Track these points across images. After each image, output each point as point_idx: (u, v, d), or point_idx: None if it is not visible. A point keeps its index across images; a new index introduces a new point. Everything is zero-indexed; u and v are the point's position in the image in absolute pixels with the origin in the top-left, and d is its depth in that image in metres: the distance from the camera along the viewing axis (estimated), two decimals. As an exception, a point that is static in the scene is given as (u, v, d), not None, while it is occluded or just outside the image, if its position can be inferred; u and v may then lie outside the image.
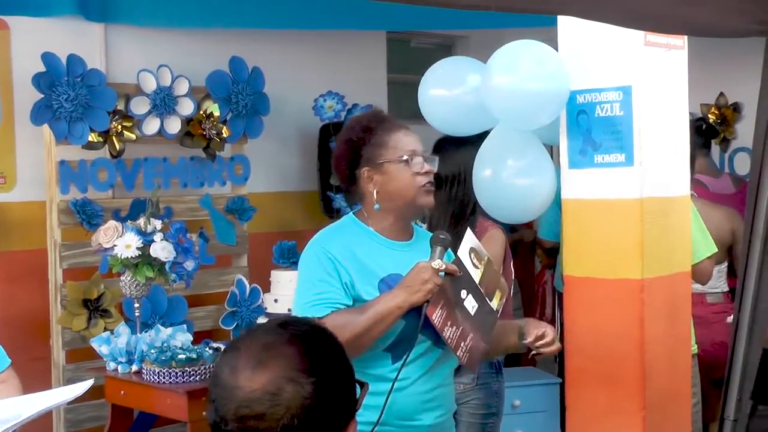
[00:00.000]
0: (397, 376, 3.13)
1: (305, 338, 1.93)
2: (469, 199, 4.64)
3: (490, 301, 3.37)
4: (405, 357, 3.17)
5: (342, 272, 3.29)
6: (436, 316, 3.18)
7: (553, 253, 6.40)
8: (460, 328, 3.24)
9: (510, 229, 7.57)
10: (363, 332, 3.15)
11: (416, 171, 3.37)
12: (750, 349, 2.99)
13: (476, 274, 3.32)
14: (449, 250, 3.36)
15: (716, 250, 4.92)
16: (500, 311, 3.43)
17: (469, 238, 3.38)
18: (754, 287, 2.97)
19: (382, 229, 3.43)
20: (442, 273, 3.20)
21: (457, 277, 3.25)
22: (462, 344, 3.24)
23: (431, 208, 4.80)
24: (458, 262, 3.28)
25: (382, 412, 3.02)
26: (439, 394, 3.38)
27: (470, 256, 3.33)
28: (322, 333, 1.99)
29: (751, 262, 2.97)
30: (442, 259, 3.22)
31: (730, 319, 4.98)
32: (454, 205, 4.68)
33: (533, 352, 3.46)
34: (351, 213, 3.54)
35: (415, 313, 3.19)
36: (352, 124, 3.53)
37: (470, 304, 3.29)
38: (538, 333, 3.41)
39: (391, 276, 3.31)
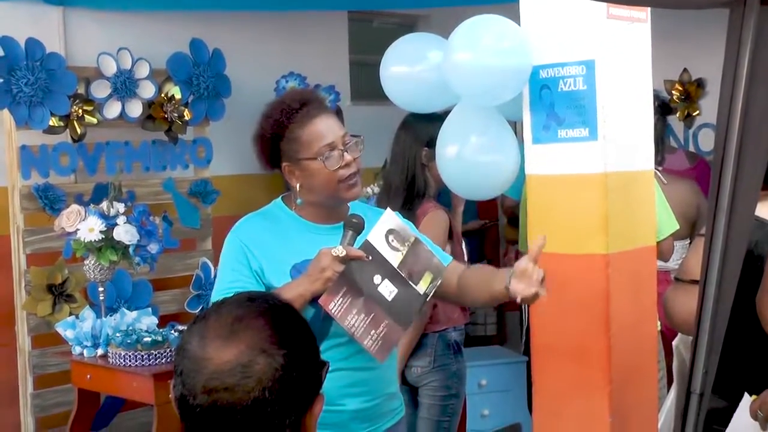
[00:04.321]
0: None
1: (273, 311, 1.94)
2: (418, 178, 4.63)
3: (416, 284, 3.23)
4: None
5: (252, 260, 3.23)
6: (335, 305, 3.08)
7: (515, 221, 6.41)
8: (371, 315, 3.14)
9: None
10: None
11: (335, 166, 3.27)
12: (716, 323, 2.99)
13: (395, 258, 3.19)
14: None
15: (678, 227, 4.93)
16: (431, 293, 3.27)
17: (387, 220, 3.23)
18: (719, 261, 2.96)
19: (308, 214, 3.36)
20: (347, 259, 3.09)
21: (367, 262, 3.14)
22: (372, 332, 3.14)
23: (385, 187, 4.82)
24: (368, 246, 3.15)
25: None
26: (361, 379, 3.29)
27: (387, 239, 3.19)
28: (287, 308, 2.00)
29: (716, 235, 2.96)
30: (351, 244, 3.13)
31: None
32: (404, 183, 4.68)
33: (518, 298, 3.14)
34: (279, 198, 3.48)
35: None
36: (268, 113, 3.49)
37: (387, 289, 3.17)
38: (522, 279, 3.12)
39: (303, 262, 3.20)
